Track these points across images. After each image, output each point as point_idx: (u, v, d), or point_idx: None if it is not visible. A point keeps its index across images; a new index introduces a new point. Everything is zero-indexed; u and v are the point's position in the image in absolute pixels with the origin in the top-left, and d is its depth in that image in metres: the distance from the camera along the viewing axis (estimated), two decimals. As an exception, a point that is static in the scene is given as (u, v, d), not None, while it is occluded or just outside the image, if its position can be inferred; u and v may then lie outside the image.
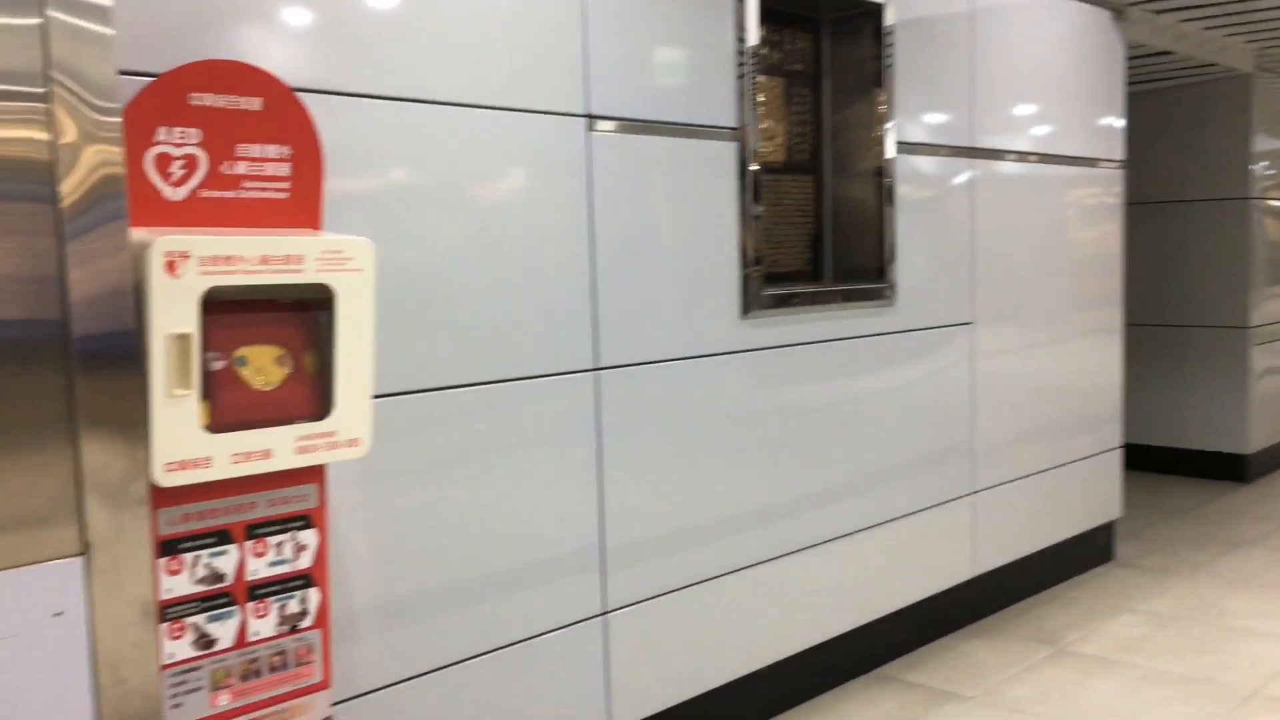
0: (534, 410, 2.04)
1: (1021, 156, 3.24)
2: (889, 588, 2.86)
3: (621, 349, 2.18)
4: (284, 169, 1.50)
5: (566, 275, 2.08)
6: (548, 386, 2.06)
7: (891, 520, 2.84)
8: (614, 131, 2.15)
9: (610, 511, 2.17)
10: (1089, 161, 3.53)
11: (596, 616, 2.16)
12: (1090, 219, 3.58)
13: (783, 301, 2.51)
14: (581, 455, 2.12)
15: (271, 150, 1.48)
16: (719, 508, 2.39)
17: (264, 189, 1.48)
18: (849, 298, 2.68)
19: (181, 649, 1.48)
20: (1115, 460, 3.73)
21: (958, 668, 2.88)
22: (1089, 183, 3.55)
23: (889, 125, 2.73)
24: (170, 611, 1.46)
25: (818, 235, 2.83)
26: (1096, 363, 3.63)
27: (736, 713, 2.50)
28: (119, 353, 1.29)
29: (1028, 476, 3.33)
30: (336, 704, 1.74)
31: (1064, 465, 3.47)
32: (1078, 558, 3.64)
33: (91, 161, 1.22)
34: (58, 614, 1.25)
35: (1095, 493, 3.65)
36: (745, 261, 2.41)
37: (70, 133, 1.20)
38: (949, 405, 3.02)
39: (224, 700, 1.53)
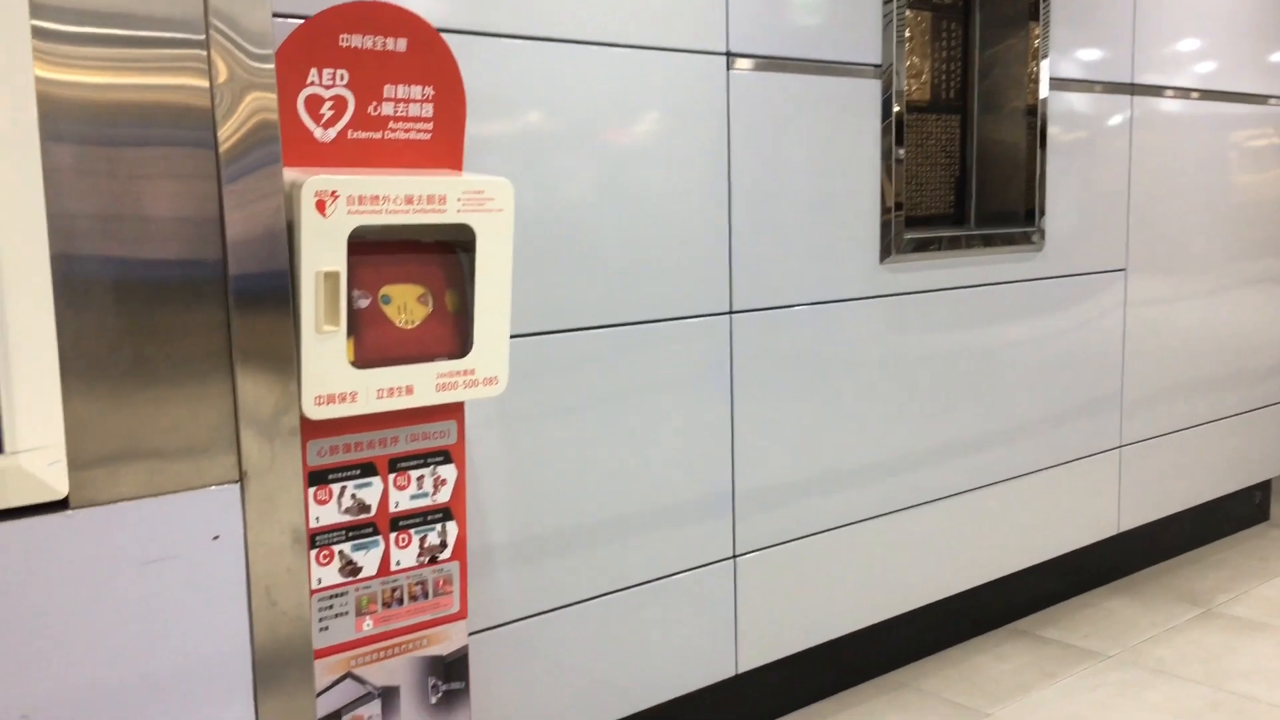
0: (667, 353, 2.03)
1: (1183, 93, 3.05)
2: (1027, 542, 2.78)
3: (756, 293, 2.15)
4: (427, 110, 1.51)
5: (702, 217, 2.06)
6: (681, 329, 2.05)
7: (1032, 473, 2.76)
8: (754, 70, 2.10)
9: (741, 456, 2.16)
10: (1258, 99, 3.30)
11: (726, 560, 2.16)
12: (1258, 161, 3.36)
13: (924, 246, 2.43)
14: (714, 400, 2.11)
15: (416, 91, 1.50)
16: (852, 455, 2.36)
17: (408, 130, 1.50)
18: (994, 243, 2.59)
19: (329, 575, 1.54)
20: (1275, 416, 3.53)
21: (1097, 625, 2.79)
22: (1257, 122, 3.32)
23: (1043, 61, 2.60)
24: (319, 539, 1.52)
25: (963, 177, 2.73)
26: (1259, 314, 3.43)
27: (863, 661, 2.49)
28: (272, 291, 1.34)
29: (1179, 431, 3.18)
30: (472, 634, 1.79)
31: (1219, 420, 3.30)
32: (1230, 517, 3.47)
33: (248, 107, 1.25)
34: (216, 538, 1.31)
35: (1252, 450, 3.46)
36: (886, 204, 2.34)
37: (228, 79, 1.24)
38: (1097, 355, 2.90)
39: (368, 626, 1.59)
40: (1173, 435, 3.16)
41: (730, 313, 2.12)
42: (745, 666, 2.22)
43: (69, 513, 1.17)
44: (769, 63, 2.12)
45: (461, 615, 1.69)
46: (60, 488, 1.14)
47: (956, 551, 2.61)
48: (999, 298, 2.62)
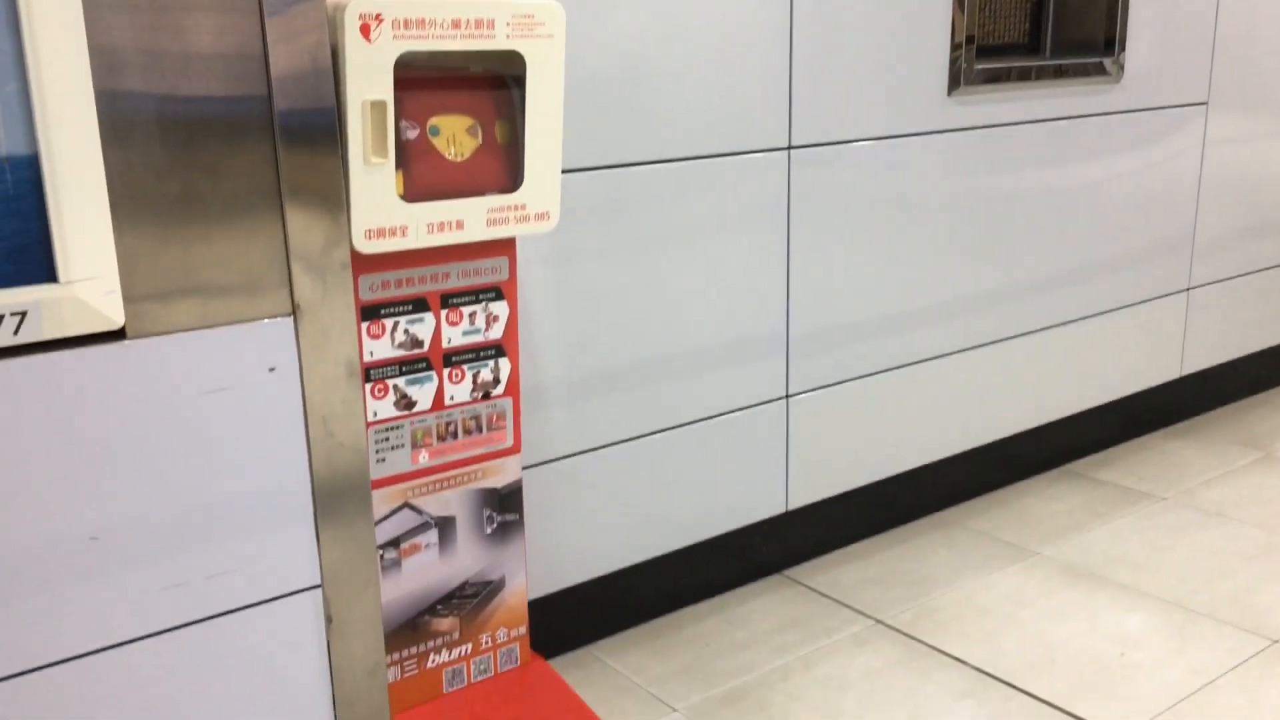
0: (723, 190, 1.98)
1: (1288, -92, 2.82)
2: (1086, 384, 2.75)
3: (816, 127, 2.08)
4: (472, -72, 1.44)
5: (762, 47, 1.97)
6: (738, 165, 1.99)
7: (1096, 315, 2.70)
8: (818, -116, 1.97)
9: (797, 295, 2.13)
10: (1370, -86, 3.05)
11: (779, 399, 2.16)
12: (1362, -17, 3.13)
13: (995, 77, 2.32)
14: (770, 238, 2.07)
15: (460, -93, 1.42)
16: (910, 296, 2.31)
17: (453, -50, 1.44)
18: (1069, 74, 2.46)
19: (384, 408, 1.56)
20: (1355, 260, 3.40)
21: (1154, 468, 2.78)
22: (1366, -60, 3.08)
23: (1132, -128, 2.41)
24: (373, 373, 1.54)
25: (1039, 3, 2.57)
26: (1348, 151, 3.26)
27: (913, 500, 2.50)
28: (319, 125, 1.31)
29: (1250, 274, 3.08)
30: (526, 468, 1.82)
31: (1295, 263, 3.19)
32: (1298, 362, 3.40)
33: (286, -71, 1.20)
34: (272, 369, 1.32)
35: (1327, 294, 3.35)
36: (955, 33, 2.22)
37: (264, -104, 1.19)
38: (1170, 194, 2.79)
39: (423, 458, 1.62)
40: (1243, 278, 3.06)
41: (789, 148, 2.05)
42: (795, 504, 2.24)
43: (126, 342, 1.19)
44: (835, -124, 1.99)
45: (515, 449, 1.72)
46: (116, 317, 1.15)
47: (1013, 394, 2.58)
48: (1072, 133, 2.51)
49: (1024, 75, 2.38)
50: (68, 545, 1.20)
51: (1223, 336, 3.07)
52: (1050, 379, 2.65)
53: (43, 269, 1.07)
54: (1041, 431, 2.69)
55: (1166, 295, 2.86)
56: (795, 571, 2.29)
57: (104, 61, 1.13)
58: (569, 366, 1.88)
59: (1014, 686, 1.86)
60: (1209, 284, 2.97)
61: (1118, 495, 2.63)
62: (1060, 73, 2.44)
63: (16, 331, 1.06)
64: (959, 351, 2.44)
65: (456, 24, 1.39)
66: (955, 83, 2.25)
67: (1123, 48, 2.52)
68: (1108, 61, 2.51)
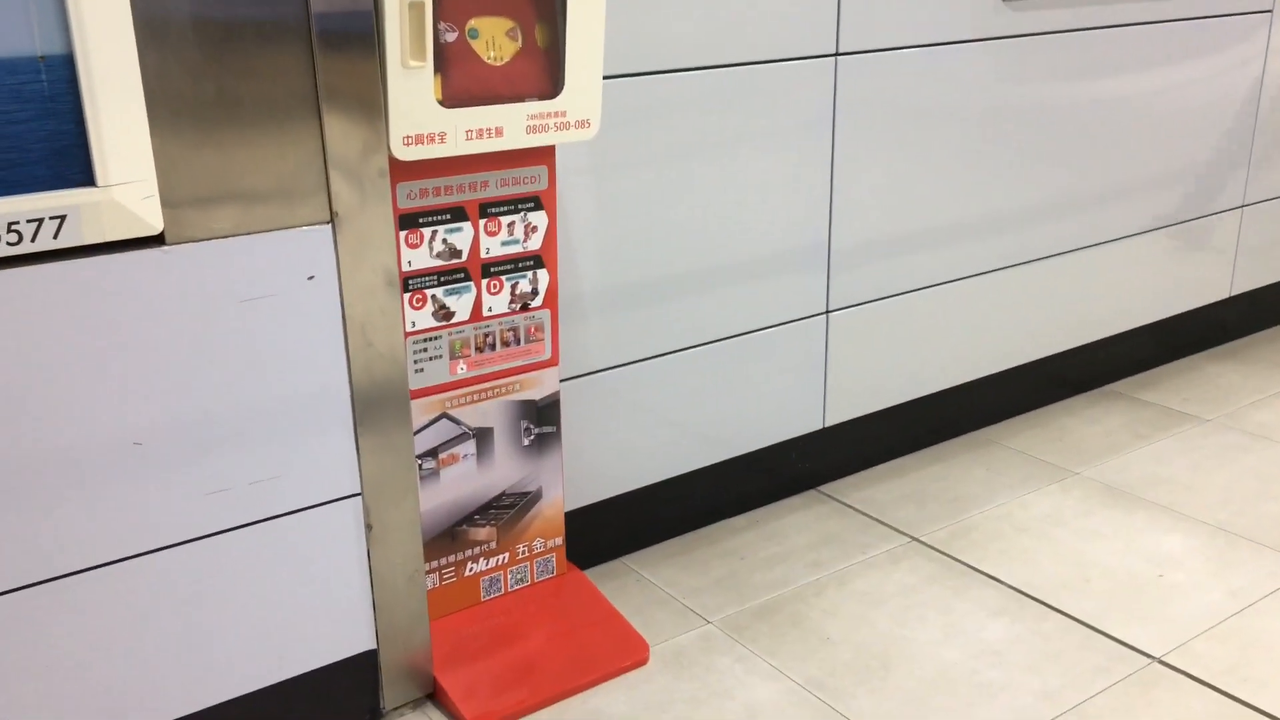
0: (767, 99, 1.93)
1: None
2: (1132, 304, 2.69)
3: (865, 33, 2.01)
4: None
5: (810, -53, 1.90)
6: (784, 72, 1.93)
7: (1145, 232, 2.63)
8: None
9: (840, 209, 2.09)
10: None
11: (819, 315, 2.13)
12: None
13: (1051, -19, 2.23)
14: (815, 149, 2.02)
15: None
16: (956, 211, 2.26)
17: None
18: (1129, -22, 2.36)
19: (422, 318, 1.55)
20: None
21: (1198, 389, 2.74)
22: None
23: None
24: (411, 283, 1.53)
25: (1100, -97, 2.46)
26: None
27: (951, 419, 2.48)
28: (357, 29, 1.28)
29: (1309, 192, 2.99)
30: (564, 381, 1.81)
31: (1355, 181, 3.09)
32: (1352, 284, 3.31)
33: None
34: (310, 277, 1.32)
35: (1387, 214, 3.25)
36: (1012, -67, 2.13)
37: None
38: (1229, 108, 2.69)
39: (461, 369, 1.61)
40: (1302, 196, 2.97)
41: (836, 54, 1.99)
42: (833, 420, 2.23)
43: (165, 248, 1.18)
44: None
45: (553, 362, 1.71)
46: (155, 223, 1.14)
47: (1056, 312, 2.53)
48: (1130, 41, 2.42)
49: (1082, -19, 2.28)
50: (112, 450, 1.21)
51: (1275, 256, 2.99)
52: (1095, 298, 2.60)
53: (80, 172, 1.06)
54: (1083, 351, 2.65)
55: (1219, 212, 2.78)
56: (831, 488, 2.29)
57: (137, -40, 1.10)
58: (607, 278, 1.85)
59: (1049, 605, 1.85)
60: (1263, 201, 2.88)
61: (1160, 416, 2.59)
62: (1120, -22, 2.34)
63: (56, 235, 1.06)
64: (1002, 269, 2.39)
65: (496, -79, 1.34)
66: (1010, -12, 2.17)
67: (1187, -48, 2.41)
68: (1170, -34, 2.40)
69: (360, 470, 1.43)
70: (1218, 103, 2.66)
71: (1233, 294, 2.92)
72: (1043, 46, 2.27)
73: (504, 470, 1.70)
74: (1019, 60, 2.24)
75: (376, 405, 1.44)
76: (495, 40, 1.46)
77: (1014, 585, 1.92)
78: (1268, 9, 2.66)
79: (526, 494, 1.74)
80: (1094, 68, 2.38)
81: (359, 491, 1.44)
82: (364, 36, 1.30)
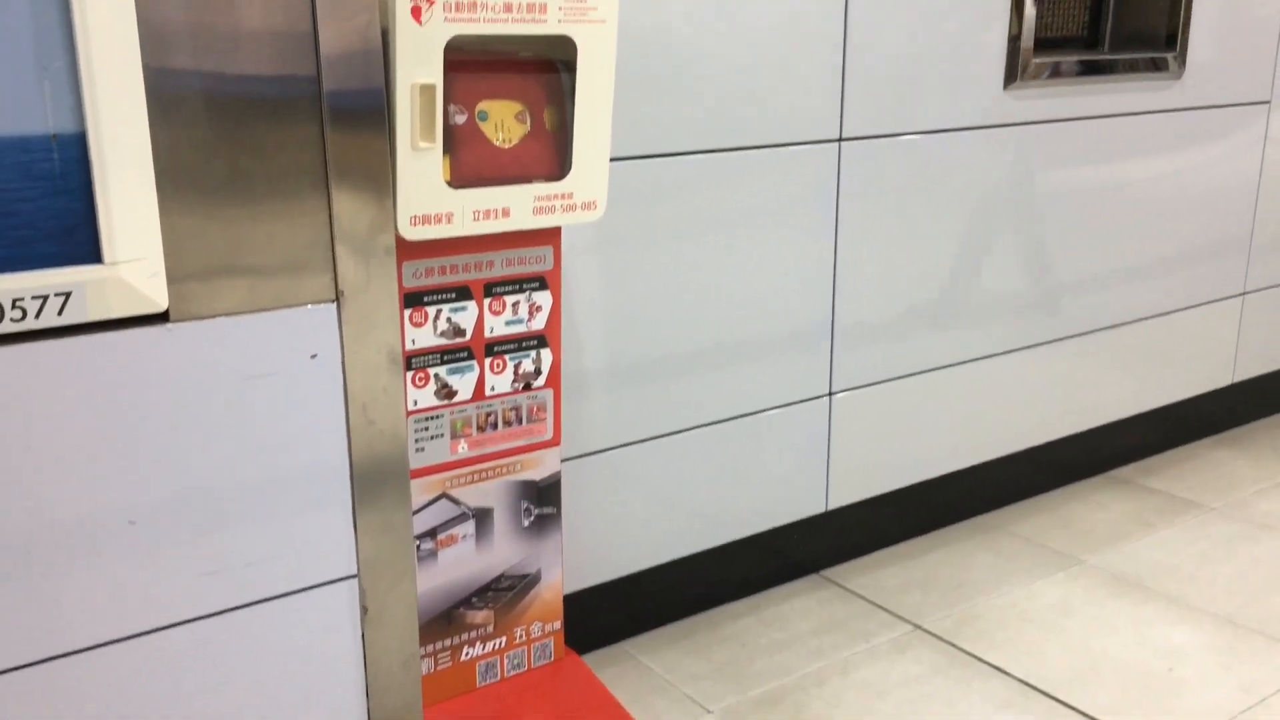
0: (772, 181, 1.95)
1: (1360, -97, 2.73)
2: (1136, 389, 2.69)
3: (868, 119, 2.03)
4: (527, -91, 1.41)
5: (817, 36, 1.93)
6: (788, 156, 1.95)
7: (1148, 318, 2.63)
8: None
9: (843, 290, 2.09)
10: None
11: (822, 397, 2.12)
12: None
13: (1053, 71, 2.26)
14: (818, 230, 2.03)
15: (515, -113, 1.39)
16: (958, 294, 2.26)
17: (506, -69, 1.41)
18: (1129, 69, 2.39)
19: (425, 397, 1.54)
20: None
21: (1203, 476, 2.72)
22: None
23: None
24: (414, 361, 1.52)
25: (1099, -4, 2.51)
26: None
27: (955, 503, 2.46)
28: (368, 107, 1.29)
29: (1309, 280, 3.00)
30: (565, 461, 1.79)
31: (1355, 270, 3.10)
32: (1354, 372, 3.31)
33: (339, -94, 1.18)
34: (314, 355, 1.30)
35: (1387, 303, 3.26)
36: (1013, 25, 2.17)
37: None
38: (1228, 195, 2.72)
39: (463, 448, 1.59)
40: (1303, 284, 2.98)
41: (840, 140, 2.01)
42: (836, 503, 2.20)
43: (169, 325, 1.17)
44: None
45: (555, 442, 1.69)
46: (160, 300, 1.14)
47: (1061, 396, 2.52)
48: (1129, 130, 2.45)
49: (1083, 70, 2.32)
50: (107, 528, 1.18)
51: (1276, 344, 2.99)
52: (1099, 383, 2.59)
53: (88, 249, 1.06)
54: (1088, 436, 2.63)
55: (1222, 299, 2.79)
56: (834, 572, 2.26)
57: (153, 37, 1.11)
58: (610, 356, 1.85)
59: (1057, 699, 1.81)
60: (1265, 289, 2.89)
61: (1166, 504, 2.57)
62: (1120, 68, 2.38)
63: (61, 312, 1.05)
64: (1006, 352, 2.39)
65: (508, 7, 1.36)
66: (1012, 76, 2.20)
67: (1184, 44, 2.46)
68: (1169, 57, 2.44)
69: (357, 551, 1.41)
70: (1217, 190, 2.68)
71: (1235, 381, 2.92)
72: (1043, 133, 2.29)
73: (503, 552, 1.67)
74: (1020, 146, 2.26)
75: (376, 485, 1.42)
76: (504, 123, 1.47)
77: (1022, 678, 1.88)
78: (1266, 100, 2.70)
79: (525, 576, 1.71)
80: (1094, 154, 2.40)
81: (355, 573, 1.41)
82: (375, 114, 1.31)
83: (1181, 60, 2.46)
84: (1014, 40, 2.17)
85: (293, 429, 1.30)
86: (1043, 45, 2.34)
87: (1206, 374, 2.85)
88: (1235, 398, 2.97)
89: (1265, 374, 3.00)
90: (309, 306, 1.29)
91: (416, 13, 1.29)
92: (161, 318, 1.17)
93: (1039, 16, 2.28)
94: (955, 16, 2.09)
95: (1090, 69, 2.33)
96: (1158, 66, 2.44)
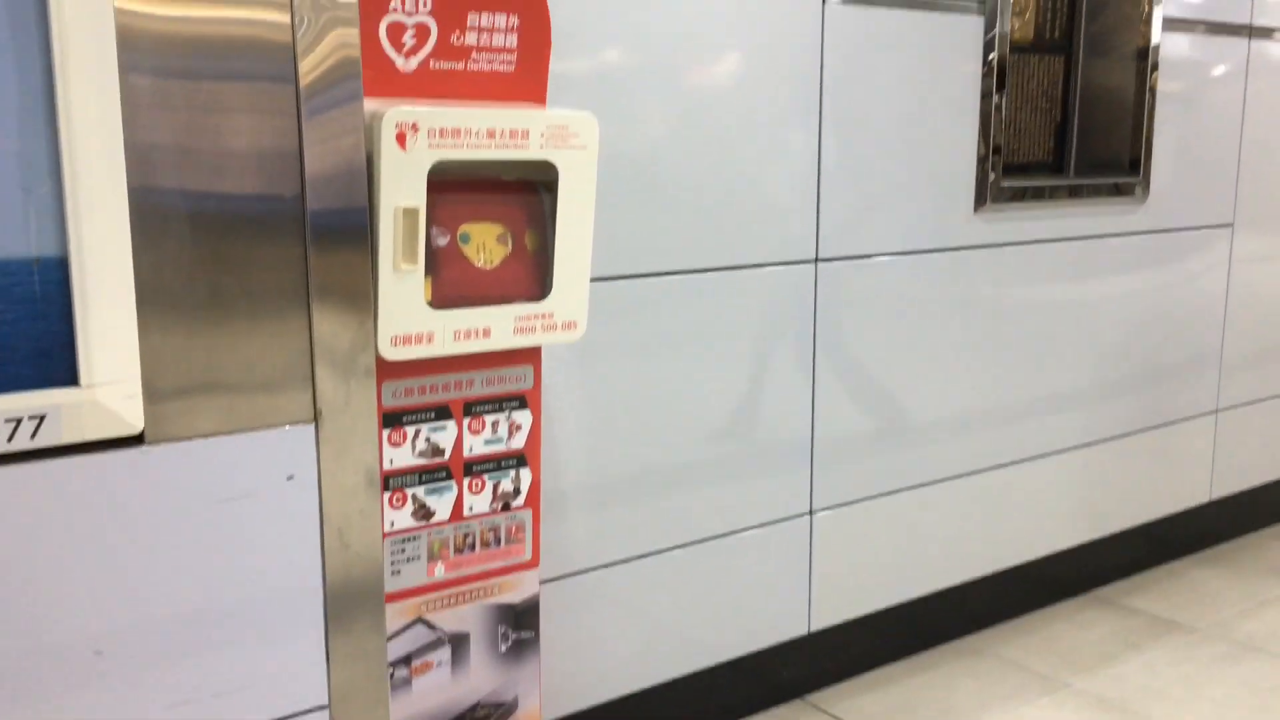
0: (750, 300, 1.97)
1: (1308, 39, 2.86)
2: (1114, 507, 2.69)
3: (843, 240, 2.07)
4: (511, 40, 1.45)
5: (791, 161, 1.97)
6: (766, 276, 1.98)
7: (1123, 436, 2.65)
8: (851, 4, 2.00)
9: (821, 408, 2.10)
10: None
11: (803, 515, 2.11)
12: (1383, 112, 3.15)
13: (1020, 195, 2.32)
14: (796, 349, 2.05)
15: (500, 20, 1.43)
16: (933, 411, 2.28)
17: (491, 61, 1.44)
18: (1095, 193, 2.46)
19: (402, 518, 1.52)
20: (1384, 385, 3.36)
21: (1185, 596, 2.70)
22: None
23: (1157, 5, 2.45)
24: (392, 481, 1.50)
25: (1064, 123, 2.60)
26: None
27: (939, 624, 2.42)
28: (351, 227, 1.30)
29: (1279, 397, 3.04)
30: (544, 582, 1.76)
31: (1323, 388, 3.15)
32: (1329, 489, 3.33)
33: (330, 43, 1.21)
34: (290, 477, 1.29)
35: (1357, 420, 3.30)
36: (982, 150, 2.23)
37: (310, 13, 1.20)
38: (1197, 314, 2.77)
39: (439, 571, 1.56)
40: (1273, 400, 3.02)
41: (816, 260, 2.04)
42: (818, 625, 2.17)
43: (144, 448, 1.15)
44: (866, -2, 2.02)
45: (533, 563, 1.66)
46: (136, 422, 1.12)
47: (1039, 515, 2.52)
48: (1097, 251, 2.50)
49: (1049, 194, 2.38)
50: (72, 658, 1.15)
51: (1253, 461, 3.01)
52: (1078, 501, 2.59)
53: (64, 371, 1.05)
54: (1069, 555, 2.62)
55: (1195, 417, 2.82)
56: (817, 697, 2.21)
57: (140, 159, 1.12)
58: (591, 474, 1.83)
59: (1049, 829, 1.76)
60: (1238, 406, 2.92)
61: (1150, 624, 2.54)
62: (1085, 192, 2.44)
63: (34, 435, 1.03)
64: (984, 470, 2.39)
65: (491, 134, 1.39)
66: (981, 200, 2.25)
67: (1147, 169, 2.53)
68: (1132, 182, 2.52)
69: (329, 680, 1.36)
70: (1186, 309, 2.73)
71: (1213, 498, 2.93)
72: (1013, 255, 2.34)
73: (479, 679, 1.63)
74: (991, 267, 2.31)
75: (350, 610, 1.38)
76: (486, 244, 1.49)
77: (1011, 807, 1.83)
78: (1228, 223, 2.78)
79: (501, 704, 1.66)
80: (1063, 275, 2.45)
81: (326, 704, 1.37)
82: (358, 235, 1.32)
83: (1145, 185, 2.54)
84: (982, 165, 2.23)
85: (266, 553, 1.28)
86: (1010, 170, 2.41)
87: (1184, 491, 2.85)
88: (1214, 515, 2.97)
89: (1243, 491, 3.01)
90: (287, 427, 1.28)
91: (401, 139, 1.31)
92: (137, 440, 1.15)
93: (1006, 142, 2.35)
94: (926, 142, 2.15)
95: (1057, 193, 2.39)
96: (1122, 191, 2.51)
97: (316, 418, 1.31)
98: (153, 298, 1.15)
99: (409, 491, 1.52)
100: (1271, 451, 3.06)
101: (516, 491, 1.63)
